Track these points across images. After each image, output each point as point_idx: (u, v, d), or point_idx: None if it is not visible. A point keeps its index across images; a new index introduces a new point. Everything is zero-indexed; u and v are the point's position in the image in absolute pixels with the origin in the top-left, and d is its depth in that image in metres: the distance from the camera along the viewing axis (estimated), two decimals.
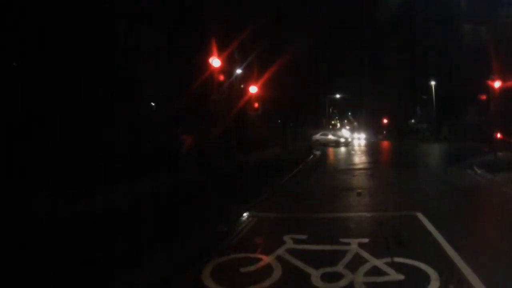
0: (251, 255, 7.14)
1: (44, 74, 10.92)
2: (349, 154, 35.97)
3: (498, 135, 17.58)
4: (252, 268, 6.56)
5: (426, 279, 5.92)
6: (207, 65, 15.13)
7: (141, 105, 16.05)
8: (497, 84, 16.34)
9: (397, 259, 6.66)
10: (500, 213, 10.82)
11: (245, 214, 10.57)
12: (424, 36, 45.32)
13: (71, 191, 9.70)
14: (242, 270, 6.45)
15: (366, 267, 6.41)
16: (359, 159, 30.55)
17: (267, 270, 6.45)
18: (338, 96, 78.40)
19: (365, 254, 6.97)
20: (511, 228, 9.06)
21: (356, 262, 6.63)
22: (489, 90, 16.95)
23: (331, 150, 42.96)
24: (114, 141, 12.94)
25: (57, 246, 7.08)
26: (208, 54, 15.15)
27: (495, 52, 20.10)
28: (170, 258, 6.84)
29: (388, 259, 6.67)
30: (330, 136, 51.34)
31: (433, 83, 55.64)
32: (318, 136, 51.09)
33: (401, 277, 6.02)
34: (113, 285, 5.82)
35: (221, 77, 14.65)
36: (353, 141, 45.70)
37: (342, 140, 49.74)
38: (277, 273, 6.29)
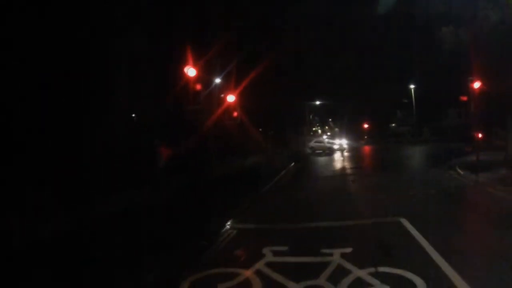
0: (230, 270, 6.83)
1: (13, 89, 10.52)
2: (332, 160, 35.88)
3: (480, 136, 17.60)
4: (230, 283, 6.24)
5: None
6: (182, 74, 14.82)
7: (117, 118, 15.64)
8: (476, 85, 16.37)
9: (381, 269, 6.42)
10: (487, 215, 10.69)
11: (224, 226, 10.25)
12: (403, 38, 45.66)
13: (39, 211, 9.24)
14: (220, 286, 6.12)
15: (349, 279, 6.14)
16: (341, 164, 30.45)
17: (246, 285, 6.15)
18: (318, 102, 78.57)
19: (348, 265, 6.71)
20: (500, 230, 8.87)
21: (339, 274, 6.36)
22: (468, 91, 16.96)
23: (312, 157, 42.91)
24: (88, 156, 12.53)
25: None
26: (184, 64, 14.84)
27: (474, 54, 20.25)
28: (142, 278, 6.47)
29: (372, 269, 6.41)
30: (324, 143, 49.79)
31: (412, 86, 56.16)
32: (313, 143, 50.32)
33: None
34: None
35: (198, 87, 14.33)
36: (345, 147, 44.60)
37: (336, 146, 47.91)
38: None
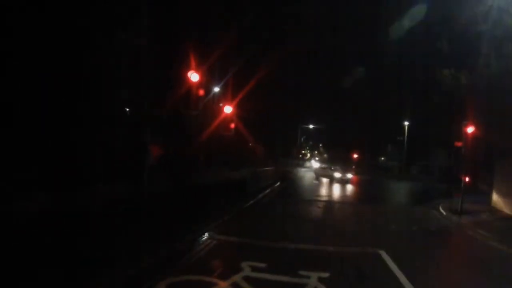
0: (207, 279, 6.81)
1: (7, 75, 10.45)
2: (318, 185, 35.98)
3: (467, 179, 17.81)
4: None
5: None
6: (184, 78, 14.85)
7: (111, 108, 15.57)
8: (470, 129, 16.63)
9: None
10: (464, 256, 10.82)
11: (204, 235, 10.22)
12: (404, 75, 46.27)
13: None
14: None
15: None
16: (327, 191, 30.53)
17: None
18: (311, 126, 78.95)
19: None
20: (474, 271, 9.15)
21: None
22: (461, 135, 17.21)
23: (300, 179, 42.98)
24: (77, 146, 12.42)
25: None
26: (187, 68, 14.89)
27: (471, 99, 20.59)
28: (116, 279, 6.40)
29: None
30: (328, 171, 43.62)
31: (406, 123, 56.70)
32: (318, 169, 49.78)
33: None
34: None
35: (201, 92, 14.37)
36: (349, 178, 39.32)
37: (338, 175, 40.25)
38: None
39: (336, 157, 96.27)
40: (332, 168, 43.81)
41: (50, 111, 11.51)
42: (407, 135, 56.89)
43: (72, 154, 11.85)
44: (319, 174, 45.37)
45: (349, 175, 40.32)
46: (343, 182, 38.04)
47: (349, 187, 31.49)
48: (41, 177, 10.31)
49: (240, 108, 25.80)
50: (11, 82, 10.41)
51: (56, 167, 10.92)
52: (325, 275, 7.53)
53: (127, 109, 17.32)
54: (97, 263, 6.64)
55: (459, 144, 17.70)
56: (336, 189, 32.55)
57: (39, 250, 6.95)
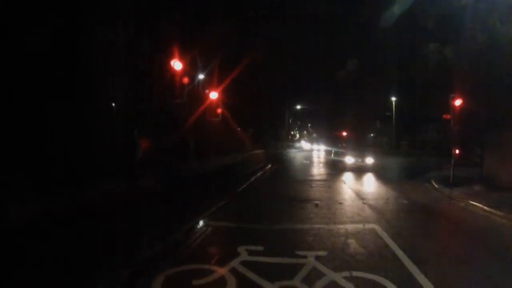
0: (205, 267, 6.81)
1: None
2: (308, 165, 36.11)
3: (457, 152, 17.92)
4: (205, 280, 6.22)
5: None
6: (168, 67, 14.69)
7: (98, 104, 15.36)
8: (457, 102, 16.69)
9: (356, 273, 6.50)
10: (456, 226, 10.94)
11: (200, 223, 10.20)
12: (390, 51, 46.30)
13: None
14: (195, 282, 6.10)
15: (323, 281, 6.20)
16: (317, 170, 30.65)
17: (221, 283, 6.14)
18: (299, 107, 79.01)
19: (323, 268, 6.77)
20: (467, 240, 9.34)
21: (314, 276, 6.41)
22: (449, 108, 17.26)
23: (290, 160, 43.08)
24: (62, 143, 12.24)
25: None
26: (170, 57, 14.72)
27: (457, 72, 20.68)
28: (117, 270, 6.37)
29: (347, 273, 6.50)
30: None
31: (394, 99, 56.81)
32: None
33: None
34: None
35: (185, 80, 14.25)
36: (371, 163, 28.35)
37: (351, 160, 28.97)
38: (230, 286, 5.97)
39: (325, 136, 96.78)
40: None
41: (34, 109, 11.31)
42: (395, 110, 57.07)
43: (59, 152, 11.69)
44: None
45: (369, 160, 28.54)
46: (361, 170, 27.87)
47: (340, 165, 31.38)
48: (29, 177, 10.17)
49: (226, 93, 25.66)
50: None
51: (44, 167, 10.78)
52: (323, 253, 7.58)
53: (113, 104, 17.10)
54: (94, 260, 6.63)
55: (447, 116, 17.76)
56: (326, 168, 32.67)
57: (36, 251, 6.92)
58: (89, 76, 14.05)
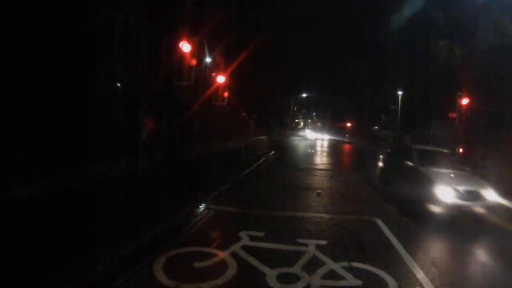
0: (206, 250, 6.88)
1: None
2: (312, 154, 36.13)
3: (461, 150, 17.92)
4: (206, 263, 6.29)
5: (384, 286, 5.83)
6: (176, 49, 14.65)
7: (103, 85, 15.35)
8: (464, 101, 16.63)
9: (354, 264, 6.56)
10: (453, 221, 10.96)
11: (201, 206, 10.27)
12: (400, 45, 46.03)
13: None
14: (196, 264, 6.17)
15: (323, 270, 6.26)
16: (320, 159, 30.67)
17: (222, 266, 6.20)
18: (305, 95, 78.77)
19: (323, 257, 6.83)
20: (465, 236, 9.39)
21: (313, 264, 6.47)
22: (456, 106, 17.20)
23: (294, 148, 43.09)
24: (67, 120, 12.24)
25: None
26: (178, 39, 14.66)
27: (466, 71, 20.57)
28: (119, 250, 6.43)
29: (346, 263, 6.57)
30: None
31: (400, 92, 56.50)
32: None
33: (358, 282, 5.90)
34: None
35: (193, 62, 14.22)
36: None
37: None
38: (231, 270, 6.05)
39: (329, 126, 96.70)
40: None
41: (39, 90, 11.31)
42: (401, 105, 56.79)
43: (63, 133, 11.71)
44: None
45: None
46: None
47: (344, 155, 31.36)
48: (32, 158, 10.22)
49: (233, 78, 25.63)
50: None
51: (49, 148, 10.81)
52: (323, 242, 7.64)
53: (118, 84, 17.10)
54: (96, 242, 6.70)
55: (453, 115, 17.72)
56: (329, 158, 32.71)
57: (43, 230, 6.99)
58: (92, 56, 14.03)
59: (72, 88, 12.50)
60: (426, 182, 11.23)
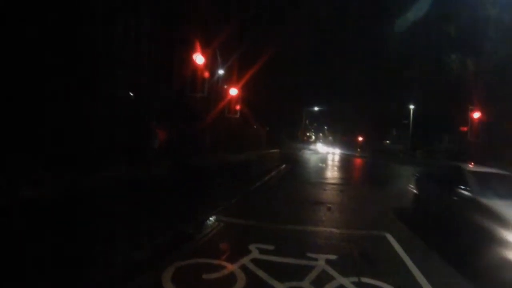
0: (215, 262, 6.87)
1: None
2: (323, 168, 36.02)
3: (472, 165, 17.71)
4: (215, 275, 6.28)
5: None
6: (189, 61, 14.81)
7: (117, 93, 15.53)
8: (476, 115, 16.49)
9: (364, 279, 6.51)
10: (465, 236, 10.81)
11: (211, 218, 10.28)
12: (410, 60, 45.94)
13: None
14: (205, 276, 6.16)
15: (332, 285, 6.23)
16: (331, 174, 30.56)
17: (231, 279, 6.19)
18: (316, 108, 78.74)
19: (332, 272, 6.79)
20: (477, 251, 9.07)
21: (323, 279, 6.44)
22: (467, 120, 17.06)
23: (305, 162, 43.00)
24: (83, 131, 12.40)
25: None
26: (192, 50, 14.83)
27: (478, 84, 20.45)
28: (129, 258, 6.46)
29: (355, 279, 6.51)
30: None
31: (412, 107, 56.35)
32: None
33: None
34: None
35: (206, 74, 14.35)
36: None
37: None
38: (240, 283, 6.03)
39: (340, 140, 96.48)
40: None
41: (55, 96, 11.48)
42: (412, 119, 56.61)
43: (77, 139, 11.84)
44: None
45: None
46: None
47: (355, 169, 31.22)
48: (50, 162, 10.34)
49: (245, 91, 25.75)
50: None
51: (58, 151, 10.93)
52: (333, 257, 7.59)
53: (131, 94, 17.29)
54: (102, 250, 6.70)
55: (464, 129, 17.57)
56: (340, 172, 32.59)
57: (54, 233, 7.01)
58: (106, 63, 14.22)
59: (90, 95, 12.71)
60: (495, 222, 7.34)
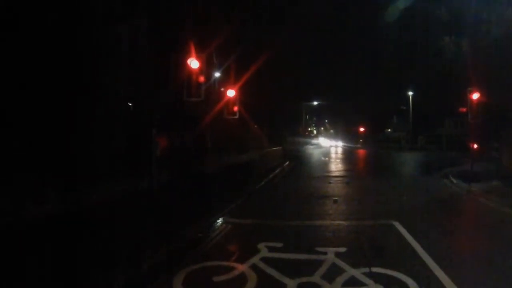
0: (225, 263, 6.88)
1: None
2: (327, 162, 36.01)
3: (475, 146, 17.66)
4: (225, 277, 6.29)
5: None
6: (184, 66, 14.81)
7: (114, 104, 15.54)
8: (475, 96, 16.42)
9: (375, 269, 6.50)
10: (476, 223, 10.83)
11: (219, 220, 10.31)
12: (405, 45, 45.78)
13: None
14: (215, 279, 6.17)
15: (343, 278, 6.22)
16: (335, 166, 30.56)
17: (241, 279, 6.20)
18: (315, 103, 78.59)
19: (342, 264, 6.78)
20: (486, 236, 9.16)
21: (333, 272, 6.43)
22: (466, 102, 16.99)
23: (308, 157, 43.01)
24: (83, 144, 12.40)
25: None
26: (186, 55, 14.83)
27: (474, 65, 20.37)
28: (139, 264, 6.48)
29: (366, 269, 6.50)
30: None
31: (410, 93, 56.20)
32: None
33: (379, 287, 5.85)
34: None
35: (201, 79, 14.33)
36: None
37: None
38: (251, 283, 6.04)
39: (342, 132, 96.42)
40: None
41: (51, 110, 11.48)
42: (412, 105, 56.48)
43: (77, 152, 11.85)
44: None
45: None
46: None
47: (358, 160, 31.24)
48: (48, 177, 10.34)
49: (243, 91, 25.73)
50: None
51: (63, 167, 10.94)
52: (342, 249, 7.59)
53: (130, 104, 17.31)
54: (117, 257, 6.74)
55: (463, 110, 17.52)
56: (344, 164, 32.57)
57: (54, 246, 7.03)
58: (99, 72, 14.20)
59: (89, 108, 12.72)
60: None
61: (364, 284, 5.97)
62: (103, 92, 14.14)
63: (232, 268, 6.64)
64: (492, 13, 18.74)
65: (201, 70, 14.63)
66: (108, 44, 15.36)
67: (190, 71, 13.60)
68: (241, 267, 6.68)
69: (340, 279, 6.14)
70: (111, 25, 15.49)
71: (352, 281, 6.11)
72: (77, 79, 12.54)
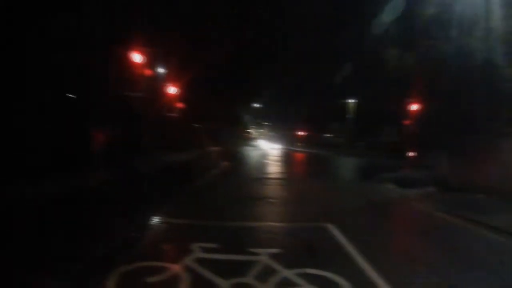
0: (158, 264, 6.76)
1: None
2: (266, 164, 36.30)
3: (412, 154, 18.52)
4: (159, 278, 6.19)
5: None
6: (126, 59, 14.47)
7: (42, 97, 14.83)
8: (414, 107, 17.23)
9: (309, 270, 6.61)
10: (410, 226, 11.32)
11: (153, 220, 10.11)
12: (349, 54, 46.98)
13: None
14: (149, 280, 6.06)
15: (277, 278, 6.29)
16: (274, 168, 30.88)
17: (175, 280, 6.13)
18: (256, 105, 79.30)
19: (276, 265, 6.85)
20: (419, 239, 9.68)
21: (267, 273, 6.48)
22: (406, 112, 17.81)
23: (247, 158, 43.15)
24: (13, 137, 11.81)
25: None
26: (129, 49, 14.50)
27: (416, 78, 21.29)
28: (68, 269, 6.23)
29: (300, 270, 6.60)
30: None
31: (351, 101, 57.80)
32: None
33: None
34: None
35: (144, 73, 14.07)
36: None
37: None
38: (184, 284, 5.98)
39: (281, 135, 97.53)
40: None
41: None
42: (355, 113, 58.05)
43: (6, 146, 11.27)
44: None
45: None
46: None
47: (297, 164, 31.74)
48: None
49: (185, 90, 25.53)
50: None
51: None
52: (276, 251, 7.67)
53: (72, 96, 16.65)
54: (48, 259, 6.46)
55: (407, 122, 18.31)
56: (283, 166, 32.98)
57: None
58: (39, 64, 13.60)
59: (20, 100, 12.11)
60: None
61: (297, 285, 6.07)
62: (36, 80, 13.51)
63: (166, 269, 6.54)
64: (439, 30, 19.61)
65: (143, 65, 14.38)
66: (48, 30, 14.71)
67: (131, 65, 13.34)
68: (174, 268, 6.60)
69: (273, 280, 6.21)
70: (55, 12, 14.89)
71: (285, 281, 6.20)
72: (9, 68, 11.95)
